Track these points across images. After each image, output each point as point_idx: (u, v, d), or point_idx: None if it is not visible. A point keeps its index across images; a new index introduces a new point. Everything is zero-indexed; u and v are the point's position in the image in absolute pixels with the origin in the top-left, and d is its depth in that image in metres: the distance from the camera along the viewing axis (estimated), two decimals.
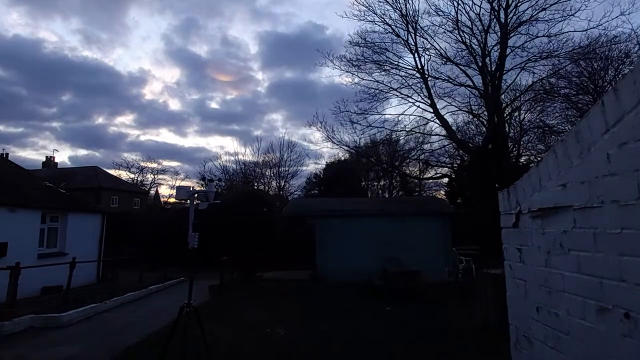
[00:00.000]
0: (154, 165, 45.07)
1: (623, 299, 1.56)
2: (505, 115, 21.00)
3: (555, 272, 2.06)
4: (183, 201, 4.13)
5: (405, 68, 20.46)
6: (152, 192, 45.13)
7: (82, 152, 71.16)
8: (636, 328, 1.49)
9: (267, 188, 35.70)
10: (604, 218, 1.65)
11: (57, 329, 8.01)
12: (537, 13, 18.48)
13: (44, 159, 38.35)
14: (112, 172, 40.33)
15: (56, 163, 38.01)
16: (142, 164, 44.27)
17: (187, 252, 4.01)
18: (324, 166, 35.40)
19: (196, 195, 3.81)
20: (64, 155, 75.23)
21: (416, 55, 19.99)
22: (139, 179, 43.94)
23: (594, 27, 17.84)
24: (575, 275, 1.88)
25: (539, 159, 21.98)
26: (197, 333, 4.32)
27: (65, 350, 6.59)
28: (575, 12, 17.69)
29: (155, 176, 44.98)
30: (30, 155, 69.33)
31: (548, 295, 2.14)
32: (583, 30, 18.05)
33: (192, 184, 40.37)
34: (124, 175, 42.30)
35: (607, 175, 1.61)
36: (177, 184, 45.64)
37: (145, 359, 5.82)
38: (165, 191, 49.84)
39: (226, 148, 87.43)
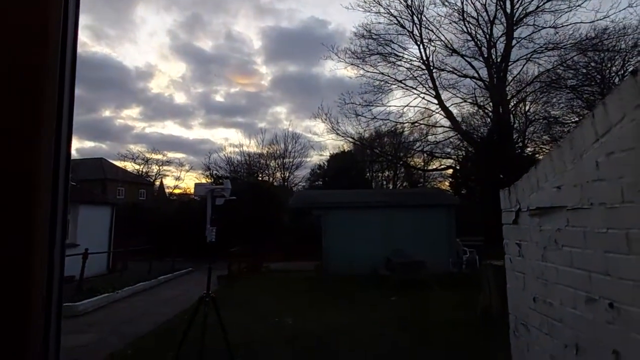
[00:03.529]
0: (159, 156, 45.33)
1: (608, 291, 1.75)
2: (510, 106, 21.01)
3: (550, 266, 2.25)
4: (197, 197, 4.31)
5: (411, 60, 20.53)
6: (157, 183, 45.46)
7: (89, 144, 71.76)
8: (619, 316, 1.68)
9: (271, 179, 35.93)
10: (593, 218, 1.83)
11: (73, 318, 8.27)
12: (543, 4, 18.44)
13: None
14: (117, 163, 40.66)
15: None
16: (147, 155, 44.55)
17: (202, 245, 4.22)
18: (328, 157, 35.53)
19: (213, 191, 4.01)
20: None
21: (421, 46, 20.04)
22: (144, 171, 44.24)
23: (601, 19, 17.81)
24: (568, 269, 2.07)
25: (544, 150, 22.02)
26: (211, 322, 4.54)
27: (81, 338, 6.85)
28: (582, 3, 17.64)
29: (161, 167, 45.25)
30: None
31: (544, 287, 2.33)
32: (590, 22, 18.01)
33: (197, 175, 40.68)
34: (129, 166, 42.61)
35: (596, 181, 1.79)
36: (181, 175, 46.00)
37: (158, 346, 6.06)
38: (170, 182, 50.14)
39: (231, 140, 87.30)
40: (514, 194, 2.73)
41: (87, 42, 64.55)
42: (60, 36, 0.69)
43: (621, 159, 1.61)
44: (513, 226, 2.77)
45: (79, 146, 73.33)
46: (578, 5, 17.70)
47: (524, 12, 18.85)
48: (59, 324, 0.70)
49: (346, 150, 33.09)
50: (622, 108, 1.58)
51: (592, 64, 19.06)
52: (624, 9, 19.10)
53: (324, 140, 49.72)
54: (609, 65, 19.34)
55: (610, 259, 1.73)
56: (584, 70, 19.21)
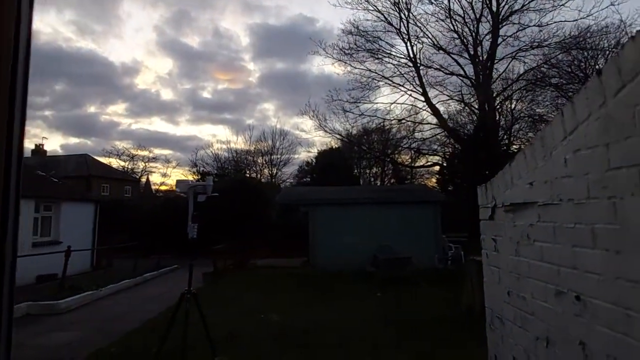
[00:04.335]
0: (145, 153, 44.77)
1: (575, 284, 1.80)
2: (496, 104, 21.26)
3: (523, 260, 2.31)
4: (182, 194, 4.29)
5: (398, 57, 20.59)
6: (143, 180, 44.91)
7: (74, 140, 70.73)
8: (585, 309, 1.73)
9: (259, 176, 35.86)
10: (562, 214, 1.88)
11: (55, 316, 8.17)
12: (529, 2, 18.68)
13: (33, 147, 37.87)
14: (102, 160, 40.06)
15: (45, 151, 37.52)
16: (133, 152, 43.93)
17: (187, 242, 4.21)
18: (315, 154, 35.56)
19: (195, 188, 4.00)
20: (55, 144, 74.48)
21: (408, 43, 20.11)
22: (129, 167, 43.66)
23: (584, 17, 18.17)
24: (538, 263, 2.13)
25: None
26: (194, 319, 4.53)
27: (63, 336, 6.76)
28: (566, 2, 17.92)
29: (146, 164, 44.72)
30: None
31: (517, 281, 2.39)
32: (573, 20, 18.33)
33: (184, 171, 40.37)
34: (114, 163, 42.00)
35: (564, 177, 1.84)
36: (168, 172, 45.55)
37: (142, 343, 6.00)
38: (156, 179, 49.56)
39: (218, 136, 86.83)
40: (490, 190, 2.78)
41: (72, 37, 63.35)
42: (14, 30, 0.68)
43: (587, 156, 1.66)
44: (489, 222, 2.83)
45: (63, 142, 72.07)
46: (562, 5, 18.01)
47: (510, 10, 19.08)
48: (9, 326, 0.69)
49: (334, 147, 33.15)
50: (588, 107, 1.63)
51: (576, 62, 19.40)
52: (606, 7, 19.53)
53: (311, 137, 49.78)
54: (591, 63, 19.68)
55: (577, 253, 1.78)
56: (568, 69, 19.54)
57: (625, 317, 1.49)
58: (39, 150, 36.59)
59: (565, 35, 18.34)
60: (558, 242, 1.93)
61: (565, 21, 18.60)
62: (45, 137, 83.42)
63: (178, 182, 4.34)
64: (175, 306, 4.18)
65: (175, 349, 4.58)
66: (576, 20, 18.21)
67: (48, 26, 61.10)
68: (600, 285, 1.62)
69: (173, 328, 4.44)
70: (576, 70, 19.53)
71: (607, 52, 18.58)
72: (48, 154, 37.09)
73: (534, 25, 18.87)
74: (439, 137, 23.18)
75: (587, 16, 18.78)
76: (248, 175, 34.01)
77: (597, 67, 19.53)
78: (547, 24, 18.59)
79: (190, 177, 30.93)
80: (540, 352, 2.15)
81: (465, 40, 19.95)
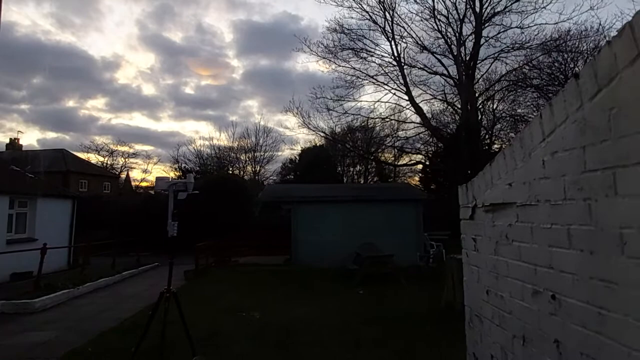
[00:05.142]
0: (125, 148, 43.94)
1: (551, 283, 1.85)
2: (478, 104, 21.58)
3: (501, 260, 2.35)
4: (163, 191, 4.22)
5: (382, 56, 20.67)
6: (123, 176, 44.04)
7: (52, 134, 68.99)
8: (560, 308, 1.77)
9: (242, 173, 35.63)
10: (539, 214, 1.92)
11: (29, 315, 7.96)
12: (511, 4, 18.98)
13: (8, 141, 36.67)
14: (81, 155, 39.13)
15: (21, 145, 36.40)
16: (112, 147, 43.04)
17: (167, 240, 4.13)
18: (299, 152, 35.53)
19: (175, 185, 3.93)
20: (32, 138, 72.56)
21: (393, 43, 20.19)
22: (109, 163, 42.77)
23: (564, 20, 18.58)
24: (516, 262, 2.17)
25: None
26: (175, 317, 4.47)
27: (38, 336, 6.60)
28: (547, 5, 18.30)
29: (126, 160, 43.91)
30: None
31: (496, 280, 2.44)
32: (554, 23, 18.77)
33: (166, 168, 39.75)
34: (93, 158, 41.08)
35: (542, 178, 1.88)
36: (148, 168, 44.80)
37: (120, 342, 5.89)
38: (137, 175, 48.61)
39: (201, 133, 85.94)
40: (470, 190, 2.82)
41: (51, 30, 61.71)
42: None
43: (564, 158, 1.70)
44: (469, 221, 2.88)
45: (40, 137, 70.17)
46: (543, 7, 18.40)
47: (492, 11, 19.36)
48: None
49: (318, 145, 33.18)
50: (565, 110, 1.67)
51: (556, 64, 19.82)
52: (586, 11, 20.12)
53: (295, 134, 49.40)
54: (571, 65, 20.13)
55: (553, 253, 1.83)
56: (548, 70, 19.96)
57: (597, 315, 1.53)
58: (14, 144, 35.46)
59: (546, 37, 18.78)
60: (535, 242, 1.97)
61: (546, 24, 19.13)
62: (20, 131, 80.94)
63: (157, 179, 4.26)
64: (155, 305, 4.11)
65: (154, 348, 4.51)
66: (557, 23, 18.67)
67: (26, 18, 59.36)
68: (575, 285, 1.66)
69: (152, 327, 4.37)
70: (556, 71, 19.97)
71: (587, 54, 19.04)
72: (24, 149, 35.98)
73: (516, 27, 19.24)
74: (422, 135, 23.44)
75: (568, 19, 19.34)
76: (231, 172, 33.74)
77: (576, 69, 20.01)
78: (529, 26, 18.99)
79: (171, 174, 30.55)
80: (516, 350, 2.20)
81: (448, 41, 20.17)
